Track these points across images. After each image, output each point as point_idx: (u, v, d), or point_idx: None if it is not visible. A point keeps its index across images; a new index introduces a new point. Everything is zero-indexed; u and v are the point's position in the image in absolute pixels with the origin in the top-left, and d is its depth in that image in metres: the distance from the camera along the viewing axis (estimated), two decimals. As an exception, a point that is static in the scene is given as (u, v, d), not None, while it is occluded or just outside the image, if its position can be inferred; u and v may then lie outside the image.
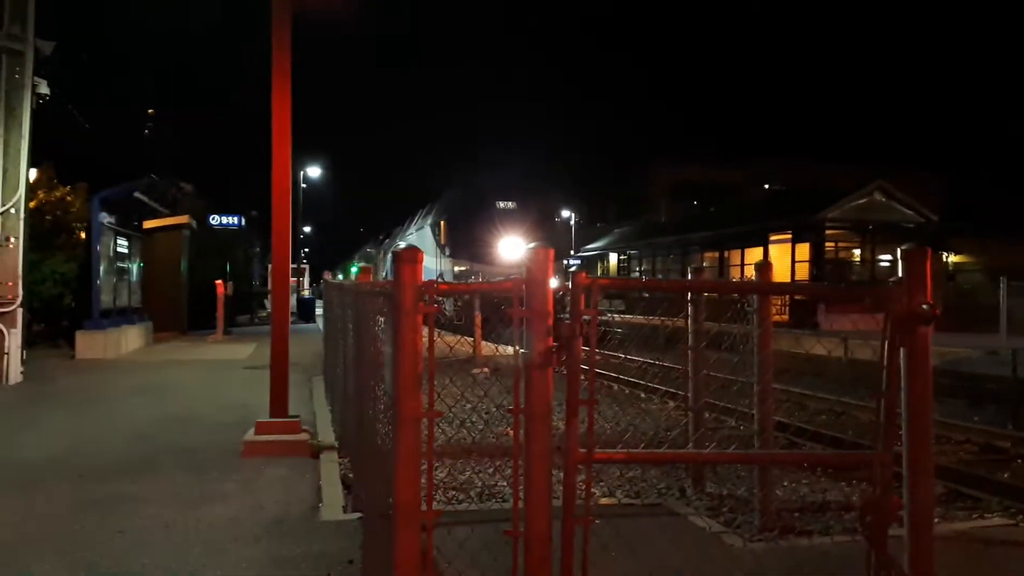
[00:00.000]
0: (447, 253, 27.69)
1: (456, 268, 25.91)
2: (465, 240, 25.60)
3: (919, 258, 3.49)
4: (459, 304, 20.22)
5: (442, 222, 28.40)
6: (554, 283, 3.19)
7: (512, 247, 24.34)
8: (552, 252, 3.16)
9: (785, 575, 4.02)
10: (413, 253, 3.10)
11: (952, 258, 36.31)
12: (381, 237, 54.37)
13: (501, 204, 26.72)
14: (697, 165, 48.26)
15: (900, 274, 3.47)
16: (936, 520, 3.49)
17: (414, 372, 3.03)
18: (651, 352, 14.11)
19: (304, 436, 7.66)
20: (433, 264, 28.09)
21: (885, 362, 3.47)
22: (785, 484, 6.53)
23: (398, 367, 3.01)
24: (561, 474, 3.31)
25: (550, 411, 3.07)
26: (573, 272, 3.30)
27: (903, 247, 3.52)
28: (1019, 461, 8.69)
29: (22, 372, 13.00)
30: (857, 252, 30.53)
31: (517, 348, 3.08)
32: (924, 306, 3.41)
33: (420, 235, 33.50)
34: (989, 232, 34.55)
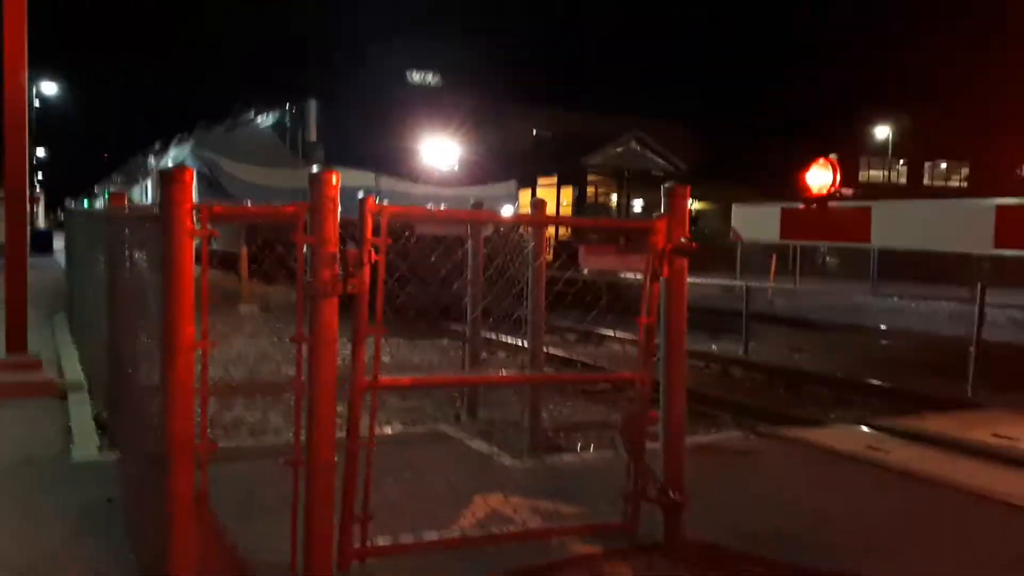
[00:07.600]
0: (319, 156, 15.61)
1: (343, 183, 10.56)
2: (354, 136, 14.56)
3: (680, 196, 3.83)
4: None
5: (311, 104, 16.30)
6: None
7: (440, 150, 14.66)
8: (338, 175, 3.07)
9: (553, 484, 4.33)
10: (182, 171, 2.92)
11: (696, 204, 39.78)
12: (153, 147, 33.76)
13: (416, 76, 15.94)
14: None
15: (662, 210, 3.78)
16: (684, 434, 3.91)
17: (188, 299, 2.86)
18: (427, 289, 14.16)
19: (49, 376, 6.99)
20: (275, 181, 17.17)
21: (647, 291, 3.80)
22: (551, 406, 6.97)
23: (170, 294, 2.82)
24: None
25: (335, 339, 3.04)
26: (361, 199, 3.24)
27: (666, 185, 3.84)
28: (748, 383, 9.87)
29: None
30: (615, 197, 32.65)
31: (303, 275, 3.00)
32: (683, 239, 3.76)
33: (240, 135, 20.36)
34: (731, 180, 38.17)
